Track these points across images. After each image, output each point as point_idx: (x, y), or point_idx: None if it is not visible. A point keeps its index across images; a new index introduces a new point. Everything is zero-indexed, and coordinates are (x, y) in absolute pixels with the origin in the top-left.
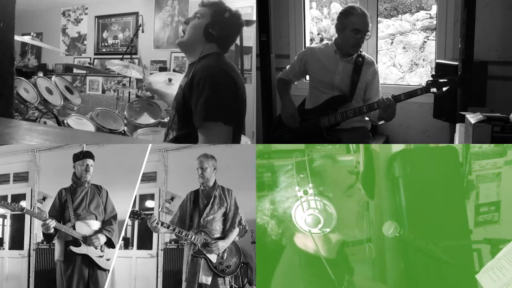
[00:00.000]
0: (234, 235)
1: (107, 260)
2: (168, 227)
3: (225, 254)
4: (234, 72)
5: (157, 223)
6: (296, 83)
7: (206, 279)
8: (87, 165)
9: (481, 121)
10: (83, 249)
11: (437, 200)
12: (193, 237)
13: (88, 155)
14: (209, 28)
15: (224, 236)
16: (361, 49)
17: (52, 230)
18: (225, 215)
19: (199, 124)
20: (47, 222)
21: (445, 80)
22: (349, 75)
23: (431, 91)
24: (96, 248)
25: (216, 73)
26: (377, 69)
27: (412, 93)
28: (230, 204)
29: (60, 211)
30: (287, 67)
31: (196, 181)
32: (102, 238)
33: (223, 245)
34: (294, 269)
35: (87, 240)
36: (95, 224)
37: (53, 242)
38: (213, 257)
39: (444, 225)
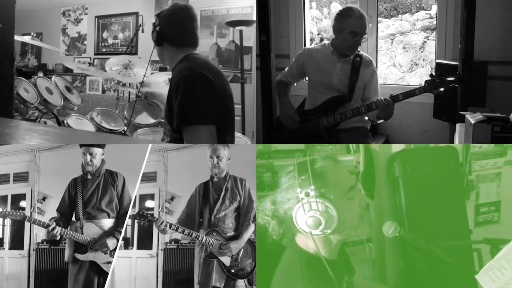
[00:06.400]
0: (249, 233)
1: None
2: (176, 229)
3: (240, 256)
4: (208, 69)
5: (165, 226)
6: (295, 84)
7: (219, 282)
8: (85, 154)
9: (481, 121)
10: (89, 256)
11: (437, 200)
12: (205, 238)
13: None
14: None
15: (237, 234)
16: (358, 49)
17: (58, 237)
18: (238, 210)
19: (180, 129)
20: (50, 229)
21: (443, 79)
22: (347, 76)
23: (433, 92)
24: (105, 254)
25: (187, 75)
26: (375, 68)
27: (411, 93)
28: (243, 198)
29: (70, 207)
30: (286, 69)
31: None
32: (111, 243)
33: (236, 246)
34: (294, 269)
35: (95, 244)
36: (107, 223)
37: (61, 242)
38: (226, 260)
39: (444, 225)
